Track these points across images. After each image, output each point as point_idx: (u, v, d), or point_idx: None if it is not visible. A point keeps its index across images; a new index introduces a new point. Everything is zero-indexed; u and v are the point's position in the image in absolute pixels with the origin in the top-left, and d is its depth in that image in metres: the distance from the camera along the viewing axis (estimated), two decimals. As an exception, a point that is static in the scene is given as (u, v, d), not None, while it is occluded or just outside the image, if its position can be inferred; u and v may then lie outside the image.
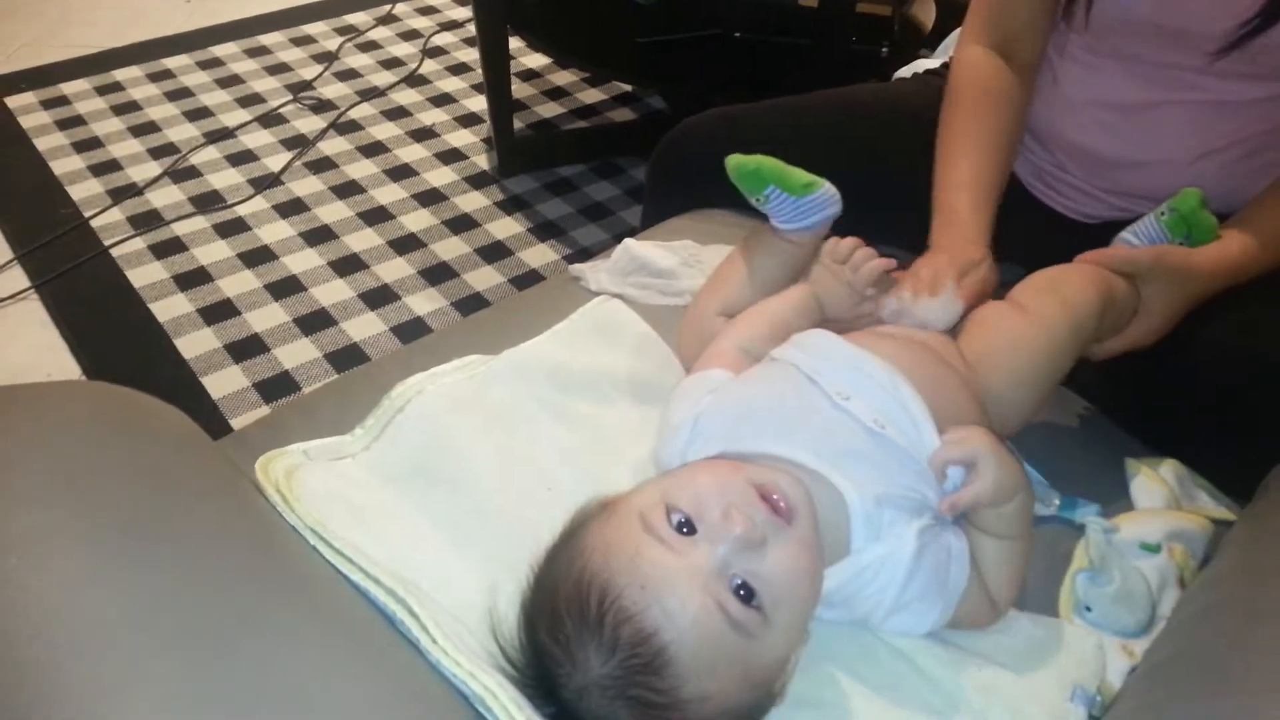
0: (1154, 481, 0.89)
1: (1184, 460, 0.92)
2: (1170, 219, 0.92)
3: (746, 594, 0.62)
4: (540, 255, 2.04)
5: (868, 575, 0.70)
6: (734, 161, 0.88)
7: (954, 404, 0.80)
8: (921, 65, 1.42)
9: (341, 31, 2.78)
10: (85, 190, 2.14)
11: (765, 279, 0.93)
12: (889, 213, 0.99)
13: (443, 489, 0.77)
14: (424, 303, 1.90)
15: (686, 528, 0.64)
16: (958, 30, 1.81)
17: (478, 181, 2.23)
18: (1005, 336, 0.86)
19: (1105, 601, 0.78)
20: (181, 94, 2.49)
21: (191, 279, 1.92)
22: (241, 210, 2.11)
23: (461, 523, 0.75)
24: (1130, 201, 1.04)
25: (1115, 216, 1.06)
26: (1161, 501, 0.88)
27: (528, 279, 1.97)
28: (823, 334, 0.83)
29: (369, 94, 2.52)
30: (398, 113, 2.46)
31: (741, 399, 0.78)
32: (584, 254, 2.02)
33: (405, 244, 2.05)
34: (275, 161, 2.26)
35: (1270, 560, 0.73)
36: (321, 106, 2.46)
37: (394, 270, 1.98)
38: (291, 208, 2.13)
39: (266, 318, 1.85)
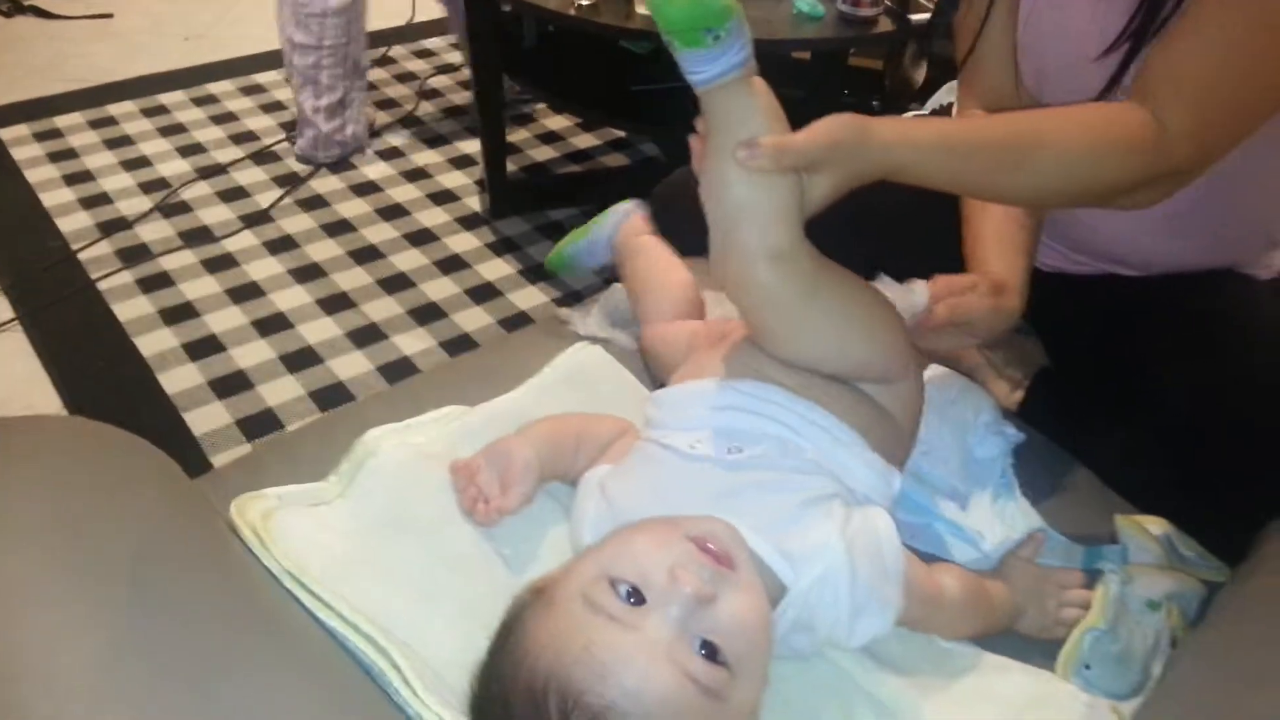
0: (1144, 538, 0.88)
1: (1170, 518, 0.92)
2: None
3: (709, 652, 0.61)
4: (530, 297, 2.03)
5: (814, 600, 0.69)
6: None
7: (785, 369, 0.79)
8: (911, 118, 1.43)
9: (338, 72, 2.79)
10: (75, 223, 2.13)
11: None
12: (880, 244, 0.99)
13: (415, 539, 0.76)
14: (412, 342, 1.89)
15: (634, 597, 0.62)
16: (947, 84, 1.84)
17: (469, 223, 2.24)
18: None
19: (1107, 661, 0.77)
20: (175, 129, 2.49)
21: (178, 314, 1.91)
22: (230, 246, 2.11)
23: (434, 574, 0.74)
24: (1085, 255, 1.05)
25: (1074, 269, 1.06)
26: (1152, 559, 0.87)
27: (517, 321, 1.96)
28: (667, 391, 0.83)
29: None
30: (391, 153, 2.46)
31: (617, 500, 0.75)
32: (574, 297, 2.02)
33: (395, 283, 2.04)
34: (266, 198, 2.26)
35: (1262, 627, 0.73)
36: (315, 145, 2.46)
37: (382, 309, 1.97)
38: (281, 244, 2.12)
39: (252, 354, 1.83)
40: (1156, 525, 0.90)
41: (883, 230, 1.00)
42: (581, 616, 0.61)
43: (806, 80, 1.86)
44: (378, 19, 3.03)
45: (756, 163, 0.67)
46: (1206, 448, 0.91)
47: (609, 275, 1.14)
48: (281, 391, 1.76)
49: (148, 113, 2.55)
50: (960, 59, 1.05)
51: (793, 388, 0.77)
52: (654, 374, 0.97)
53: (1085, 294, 1.06)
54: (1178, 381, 0.94)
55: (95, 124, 2.48)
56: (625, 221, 1.10)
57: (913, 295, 0.86)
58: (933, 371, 0.96)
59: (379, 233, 2.18)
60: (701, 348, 0.89)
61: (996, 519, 0.90)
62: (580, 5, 1.76)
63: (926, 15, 1.79)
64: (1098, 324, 1.05)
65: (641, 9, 1.74)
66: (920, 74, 2.17)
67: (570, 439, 0.82)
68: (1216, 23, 0.77)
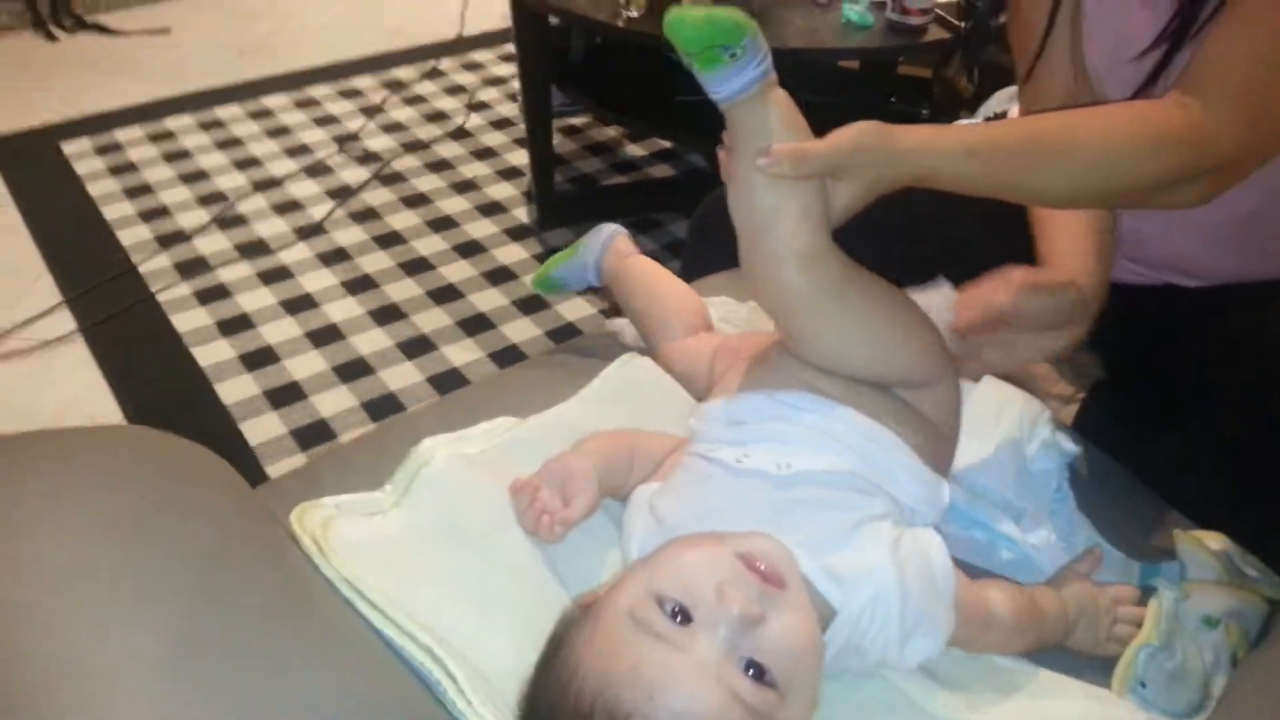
0: (1204, 554, 0.87)
1: (1231, 534, 0.90)
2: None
3: (757, 672, 0.60)
4: (577, 309, 2.04)
5: (864, 624, 0.68)
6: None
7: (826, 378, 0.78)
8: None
9: (388, 85, 2.84)
10: (135, 236, 2.19)
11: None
12: (926, 252, 0.99)
13: (471, 549, 0.76)
14: (461, 354, 1.91)
15: (681, 616, 0.61)
16: (998, 93, 1.82)
17: (517, 234, 2.26)
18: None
19: (1162, 678, 0.75)
20: (231, 143, 2.55)
21: (234, 325, 1.95)
22: (285, 258, 2.15)
23: (490, 584, 0.74)
24: (1141, 265, 1.03)
25: (1130, 280, 1.05)
26: (1212, 575, 0.85)
27: (564, 332, 1.98)
28: (712, 404, 0.82)
29: (413, 146, 2.56)
30: (441, 165, 2.50)
31: (665, 517, 0.74)
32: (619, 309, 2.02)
33: (444, 294, 2.06)
34: (320, 211, 2.30)
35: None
36: (367, 158, 2.51)
37: (432, 320, 1.99)
38: (334, 256, 2.16)
39: (306, 365, 1.86)
40: (1216, 541, 0.88)
41: (942, 238, 0.99)
42: (628, 635, 0.61)
43: (855, 88, 1.85)
44: (426, 33, 3.08)
45: (777, 169, 0.67)
46: (1265, 460, 0.89)
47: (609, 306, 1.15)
48: (334, 402, 1.78)
49: (205, 126, 2.61)
50: (1022, 66, 1.04)
51: (837, 397, 0.77)
52: (687, 389, 0.97)
53: (1142, 305, 1.04)
54: (1235, 393, 0.92)
55: (154, 138, 2.55)
56: (611, 244, 1.09)
57: (936, 297, 0.86)
58: (987, 382, 0.95)
59: (429, 245, 2.21)
60: (738, 358, 0.88)
61: (1052, 533, 0.89)
62: (628, 17, 1.77)
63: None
64: (1155, 335, 1.03)
65: (689, 21, 1.75)
66: (971, 82, 2.15)
67: (624, 453, 0.82)
68: (1262, 14, 0.76)
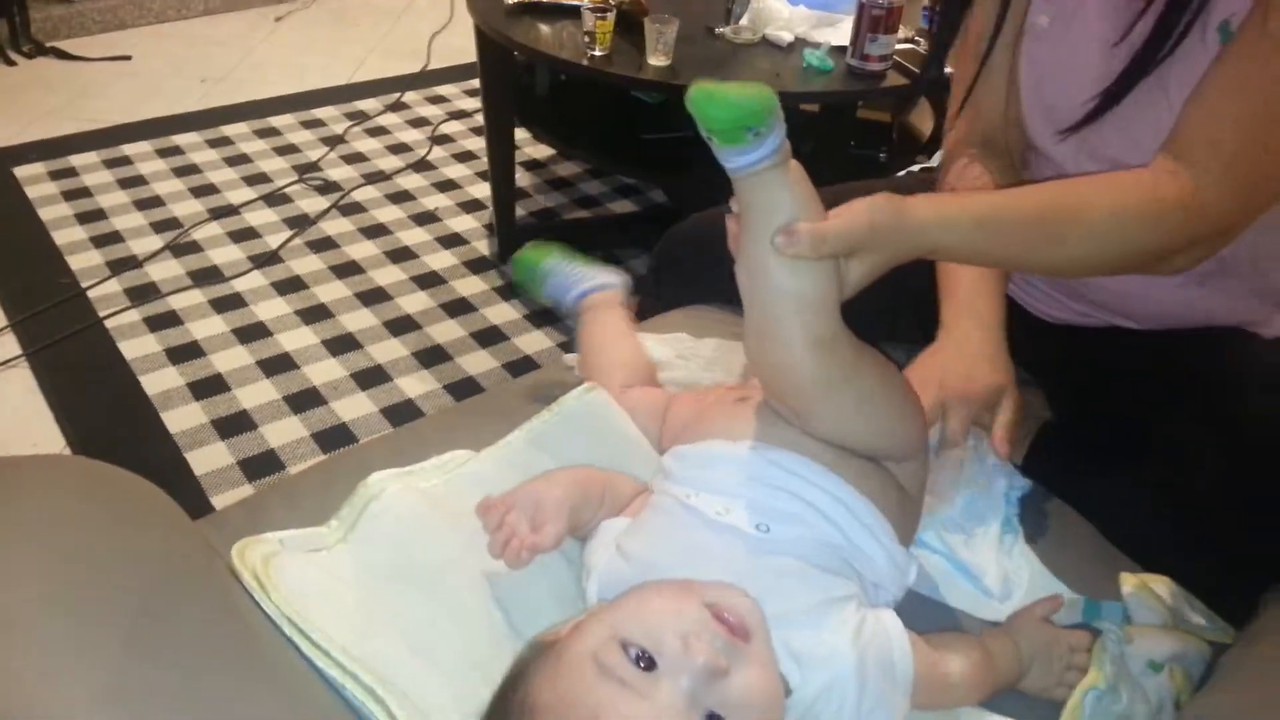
0: (1149, 598, 0.87)
1: (1174, 577, 0.91)
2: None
3: None
4: (535, 342, 2.04)
5: (818, 707, 0.67)
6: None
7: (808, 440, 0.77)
8: (919, 169, 1.45)
9: (351, 116, 2.84)
10: (85, 261, 2.15)
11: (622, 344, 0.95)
12: (887, 300, 1.00)
13: (416, 588, 0.75)
14: (416, 385, 1.89)
15: (645, 662, 0.61)
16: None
17: (477, 266, 2.25)
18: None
19: (1107, 722, 0.75)
20: (189, 170, 2.52)
21: (183, 353, 1.92)
22: (239, 286, 2.12)
23: (434, 624, 0.73)
24: (1086, 306, 1.05)
25: (1076, 321, 1.06)
26: (1158, 619, 0.86)
27: (522, 365, 1.97)
28: (694, 448, 0.81)
29: (374, 177, 2.55)
30: (402, 196, 2.49)
31: (634, 556, 0.74)
32: (579, 343, 2.02)
33: (401, 325, 2.05)
34: (276, 239, 2.28)
35: (1268, 690, 0.71)
36: (327, 188, 2.49)
37: (388, 351, 1.97)
38: (289, 285, 2.14)
39: (256, 394, 1.83)
40: (1161, 585, 0.89)
41: (896, 290, 1.00)
42: (591, 678, 0.60)
43: (815, 132, 1.88)
44: (393, 66, 3.09)
45: (795, 250, 0.66)
46: (1210, 506, 0.90)
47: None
48: (284, 432, 1.75)
49: (162, 153, 2.58)
50: (959, 90, 1.07)
51: (828, 463, 0.76)
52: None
53: (1088, 346, 1.06)
54: (1180, 438, 0.93)
55: (110, 163, 2.51)
56: (606, 290, 1.08)
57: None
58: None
59: (387, 275, 2.20)
60: (702, 407, 0.88)
61: (1001, 555, 0.90)
62: (593, 56, 1.78)
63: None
64: (1100, 377, 1.05)
65: (653, 60, 1.76)
66: (928, 125, 2.20)
67: (596, 489, 0.81)
68: (1251, 80, 0.77)
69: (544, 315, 2.10)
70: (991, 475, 0.94)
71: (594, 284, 1.09)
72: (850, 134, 2.04)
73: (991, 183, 1.04)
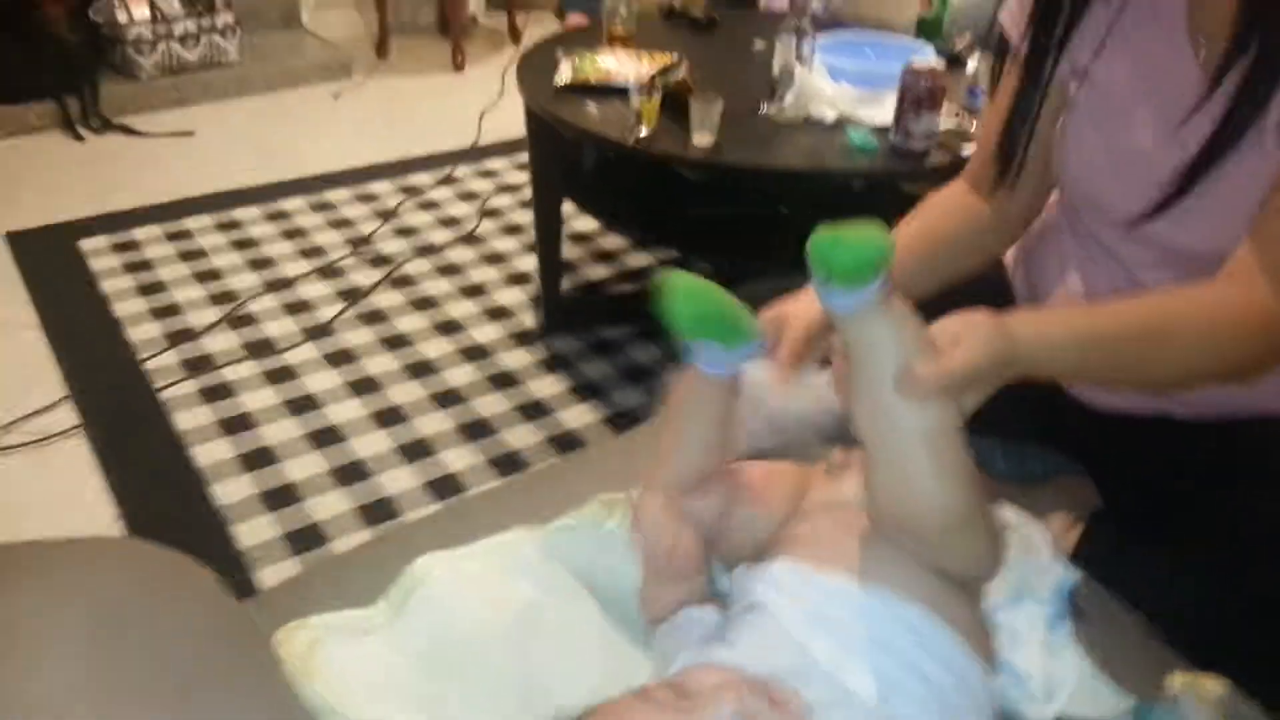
0: (1201, 699, 0.84)
1: (1227, 675, 0.87)
2: None
3: None
4: (579, 416, 2.04)
5: None
6: (680, 289, 0.83)
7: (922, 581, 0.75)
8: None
9: (404, 190, 2.91)
10: (144, 333, 2.21)
11: (701, 433, 0.87)
12: None
13: (462, 674, 0.75)
14: (460, 459, 1.90)
15: None
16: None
17: (523, 339, 2.27)
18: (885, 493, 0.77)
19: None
20: (247, 243, 2.59)
21: (235, 424, 1.95)
22: (291, 358, 2.16)
23: (480, 710, 0.73)
24: (1136, 394, 1.03)
25: (1126, 408, 1.05)
26: (1212, 720, 0.83)
27: (565, 439, 1.97)
28: (815, 577, 0.76)
29: (425, 250, 2.61)
30: (450, 269, 2.53)
31: (735, 664, 0.70)
32: (623, 417, 2.02)
33: (447, 399, 2.07)
34: (329, 312, 2.33)
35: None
36: (379, 260, 2.54)
37: (433, 424, 1.99)
38: (340, 358, 2.17)
39: (303, 467, 1.86)
40: (1215, 685, 0.85)
41: None
42: None
43: (858, 205, 1.88)
44: (443, 141, 3.17)
45: (921, 394, 0.68)
46: (1268, 602, 0.87)
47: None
48: (329, 506, 1.77)
49: (222, 227, 2.66)
50: (977, 158, 1.10)
51: (946, 616, 0.73)
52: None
53: (1139, 435, 1.04)
54: (1237, 530, 0.91)
55: (171, 236, 2.60)
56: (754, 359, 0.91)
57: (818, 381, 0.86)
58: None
59: (435, 347, 2.23)
60: (830, 517, 0.83)
61: (1047, 656, 0.87)
62: (639, 136, 1.82)
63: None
64: (1153, 466, 1.02)
65: (698, 139, 1.79)
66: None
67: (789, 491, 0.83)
68: None
69: (589, 389, 2.11)
70: (1042, 570, 0.91)
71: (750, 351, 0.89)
72: (896, 209, 2.04)
73: (956, 205, 1.10)
